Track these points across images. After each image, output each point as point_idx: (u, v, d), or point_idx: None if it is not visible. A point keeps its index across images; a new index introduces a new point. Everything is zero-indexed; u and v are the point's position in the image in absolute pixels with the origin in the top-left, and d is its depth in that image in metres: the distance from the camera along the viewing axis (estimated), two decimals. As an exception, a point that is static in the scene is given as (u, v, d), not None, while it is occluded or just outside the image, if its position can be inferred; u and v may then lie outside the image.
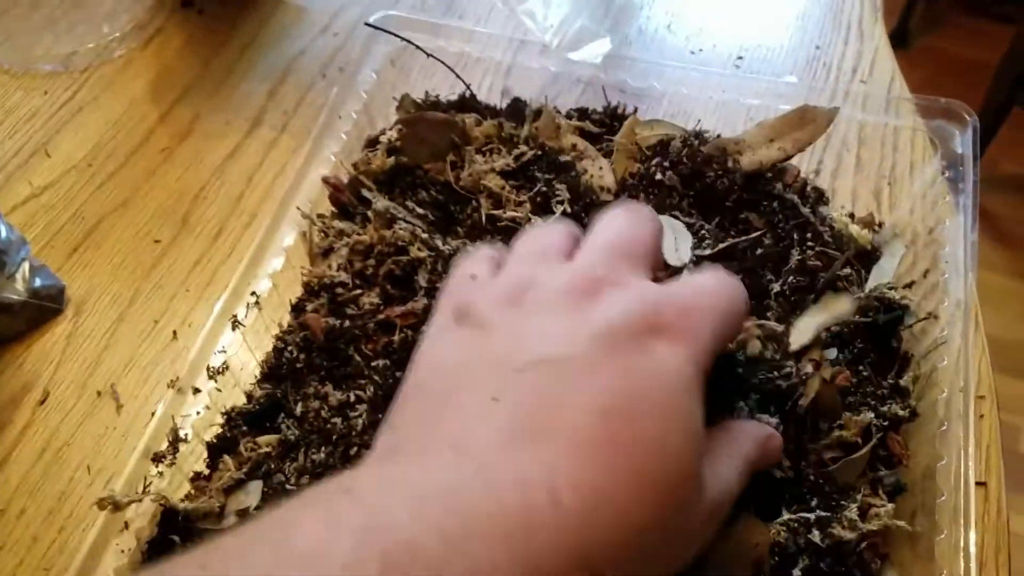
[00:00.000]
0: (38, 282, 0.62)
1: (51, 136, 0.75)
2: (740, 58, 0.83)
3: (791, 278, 0.57)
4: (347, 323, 0.56)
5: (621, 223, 0.43)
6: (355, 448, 0.51)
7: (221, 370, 0.51)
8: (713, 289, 0.40)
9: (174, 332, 0.62)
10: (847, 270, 0.58)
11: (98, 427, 0.58)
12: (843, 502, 0.47)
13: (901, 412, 0.51)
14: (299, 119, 0.76)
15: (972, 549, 0.42)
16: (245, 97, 0.78)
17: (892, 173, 0.70)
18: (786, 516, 0.46)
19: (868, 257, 0.61)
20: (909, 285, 0.57)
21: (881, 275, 0.58)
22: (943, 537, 0.44)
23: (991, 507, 0.54)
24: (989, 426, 0.57)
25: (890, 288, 0.56)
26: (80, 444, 0.57)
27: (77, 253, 0.67)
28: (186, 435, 0.48)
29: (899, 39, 2.10)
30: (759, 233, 0.60)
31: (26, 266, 0.62)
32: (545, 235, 0.45)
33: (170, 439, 0.48)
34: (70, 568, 0.43)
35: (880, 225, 0.64)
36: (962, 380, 0.49)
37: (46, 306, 0.63)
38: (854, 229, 0.62)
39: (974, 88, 1.71)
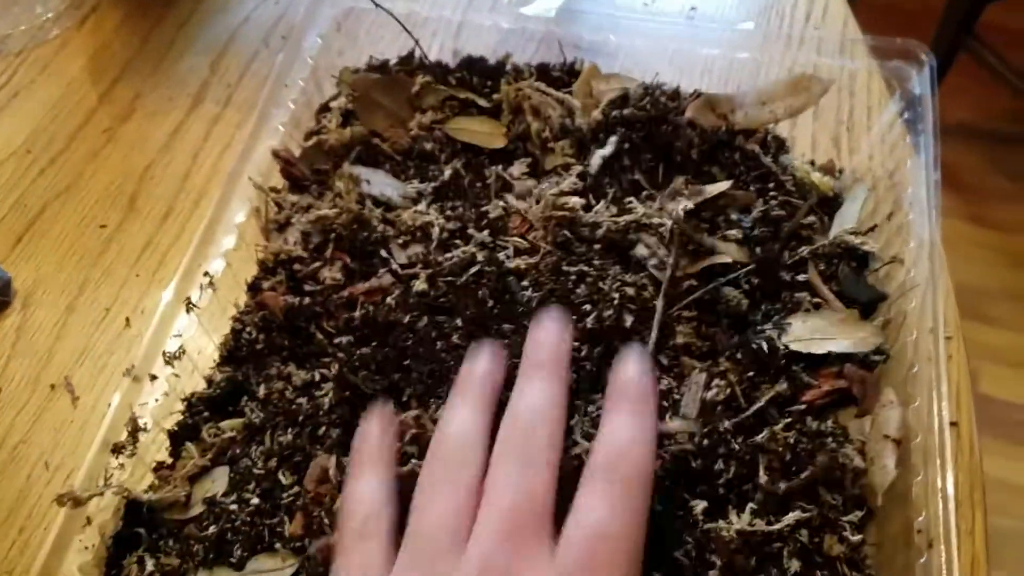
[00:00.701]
0: (-18, 274, 0.60)
1: (-14, 123, 0.71)
2: (693, 8, 0.81)
3: (757, 230, 0.57)
4: (307, 300, 0.54)
5: (516, 479, 0.40)
6: (323, 428, 0.49)
7: (178, 355, 0.49)
8: (616, 531, 0.39)
9: (127, 319, 0.60)
10: (811, 218, 0.58)
11: (54, 421, 0.56)
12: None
13: (875, 357, 0.51)
14: (243, 91, 0.73)
15: (950, 490, 0.42)
16: (187, 72, 0.75)
17: (850, 118, 0.69)
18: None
19: (831, 204, 0.60)
20: (872, 229, 0.57)
21: (844, 221, 0.58)
22: (919, 479, 0.44)
23: (964, 446, 0.54)
24: (958, 366, 0.57)
25: (853, 234, 0.56)
26: (37, 440, 0.55)
27: (21, 244, 0.64)
28: (145, 424, 0.47)
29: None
30: (727, 185, 0.58)
31: (-34, 258, 0.59)
32: (441, 508, 0.40)
33: (129, 429, 0.46)
34: (32, 568, 0.41)
35: (841, 171, 0.63)
36: (931, 321, 0.48)
37: (-9, 299, 0.60)
38: (816, 176, 0.61)
39: (922, 37, 1.72)
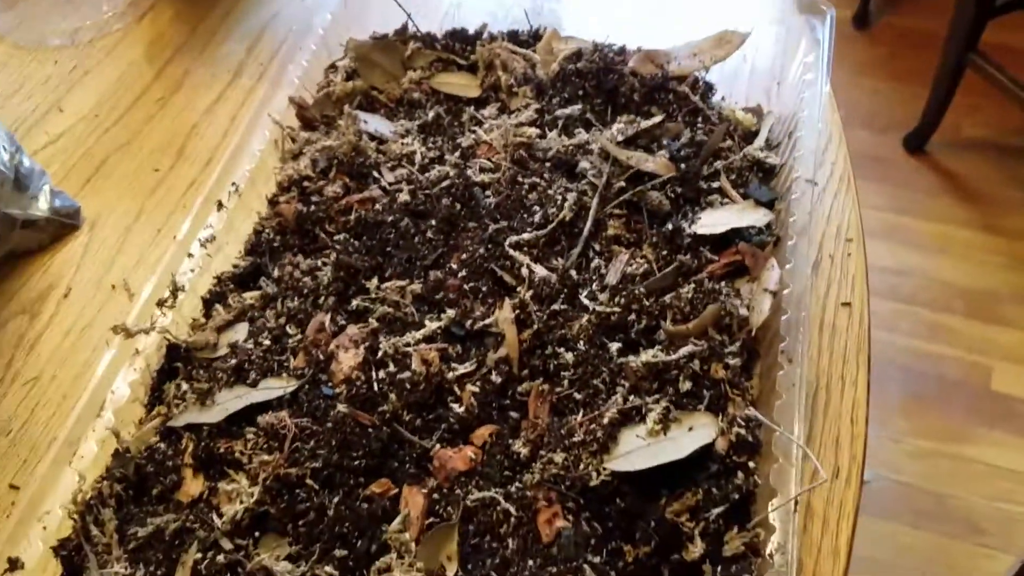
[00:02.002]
0: (57, 203, 0.74)
1: (62, 96, 0.87)
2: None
3: (684, 150, 0.68)
4: (313, 208, 0.68)
5: None
6: (322, 297, 0.62)
7: (211, 239, 0.63)
8: None
9: (174, 237, 0.74)
10: (729, 142, 0.70)
11: (114, 312, 0.69)
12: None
13: (765, 238, 0.62)
14: (273, 69, 0.88)
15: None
16: (227, 55, 0.90)
17: (782, 73, 0.80)
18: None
19: (752, 137, 0.72)
20: (776, 147, 0.68)
21: (755, 144, 0.69)
22: (787, 317, 0.54)
23: (854, 321, 0.64)
24: (856, 261, 0.68)
25: (759, 150, 0.68)
26: (100, 325, 0.69)
27: (90, 183, 0.79)
28: (183, 286, 0.60)
29: (860, 21, 2.21)
30: (660, 119, 0.71)
31: (47, 189, 0.74)
32: None
33: (170, 289, 0.60)
34: (93, 378, 0.54)
35: (763, 112, 0.75)
36: (829, 224, 0.59)
37: (65, 222, 0.75)
38: (739, 114, 0.73)
39: (932, 57, 1.82)
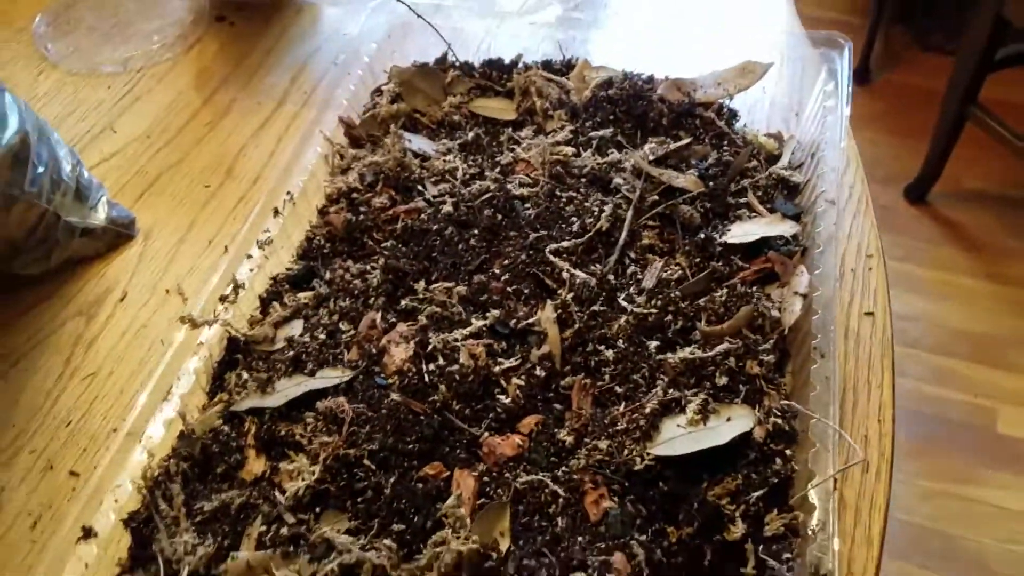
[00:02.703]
0: (114, 213, 0.78)
1: (115, 119, 0.92)
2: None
3: (711, 170, 0.73)
4: (361, 217, 0.71)
5: None
6: (372, 298, 0.65)
7: (268, 242, 0.66)
8: None
9: (225, 247, 0.78)
10: (754, 163, 0.74)
11: (169, 314, 0.72)
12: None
13: (793, 247, 0.66)
14: (316, 96, 0.93)
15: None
16: (272, 85, 0.95)
17: (799, 104, 0.85)
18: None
19: (775, 161, 0.76)
20: (799, 167, 0.73)
21: (779, 164, 0.74)
22: (817, 318, 0.58)
23: (877, 329, 0.68)
24: (877, 275, 0.71)
25: (784, 169, 0.72)
26: (156, 326, 0.72)
27: (143, 199, 0.83)
28: (244, 284, 0.63)
29: (861, 76, 2.30)
30: (688, 141, 0.75)
31: (104, 200, 0.78)
32: None
33: (232, 286, 0.63)
34: (160, 364, 0.57)
35: (784, 137, 0.79)
36: (850, 242, 0.63)
37: (121, 232, 0.78)
38: (762, 139, 0.78)
39: (931, 114, 1.89)
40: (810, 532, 0.48)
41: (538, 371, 0.60)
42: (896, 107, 2.30)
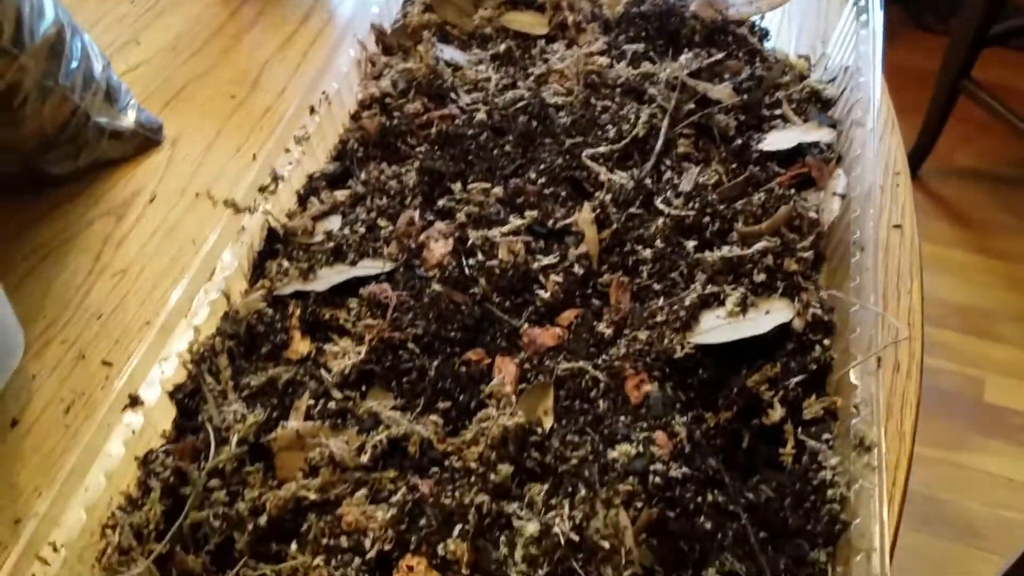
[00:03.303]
0: (143, 117, 0.78)
1: (139, 32, 0.91)
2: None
3: (745, 83, 0.73)
4: (395, 122, 0.71)
5: None
6: (408, 197, 0.66)
7: (305, 137, 0.66)
8: None
9: (253, 155, 0.77)
10: (787, 78, 0.74)
11: (200, 215, 0.72)
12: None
13: (828, 154, 0.66)
14: (341, 13, 0.92)
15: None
16: (298, 2, 0.95)
17: (825, 32, 0.86)
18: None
19: (805, 79, 0.76)
20: (832, 80, 0.73)
21: (814, 77, 0.74)
22: (857, 215, 0.58)
23: (905, 240, 0.68)
24: (904, 191, 0.72)
25: (818, 82, 0.72)
26: (185, 226, 0.72)
27: (169, 106, 0.82)
28: (283, 175, 0.63)
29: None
30: (723, 55, 0.75)
31: (133, 103, 0.77)
32: None
33: (271, 177, 0.63)
34: (201, 252, 0.57)
35: (814, 59, 0.79)
36: (878, 160, 0.63)
37: (149, 136, 0.78)
38: (793, 59, 0.78)
39: (925, 93, 1.90)
40: (852, 408, 0.49)
41: (576, 269, 0.61)
42: (891, 85, 2.31)
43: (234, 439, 0.49)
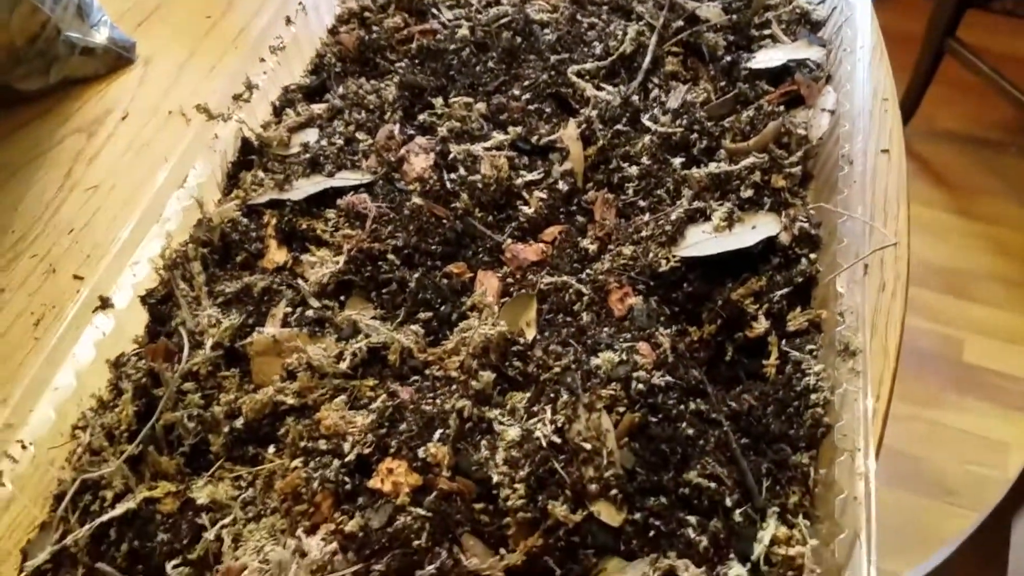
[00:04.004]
0: (115, 35, 0.75)
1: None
2: None
3: (733, 4, 0.71)
4: (375, 36, 0.69)
5: None
6: (388, 112, 0.64)
7: (280, 47, 0.64)
8: None
9: (227, 73, 0.75)
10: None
11: (174, 132, 0.70)
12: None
13: (817, 72, 0.65)
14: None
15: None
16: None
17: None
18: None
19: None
20: (822, 1, 0.71)
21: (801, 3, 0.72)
22: (845, 128, 0.57)
23: (893, 165, 0.68)
24: (892, 116, 0.71)
25: (806, 3, 0.71)
26: (158, 144, 0.70)
27: (142, 27, 0.80)
28: (257, 84, 0.61)
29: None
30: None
31: (105, 19, 0.75)
32: None
33: (246, 85, 0.61)
34: (173, 157, 0.56)
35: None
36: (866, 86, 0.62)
37: (122, 55, 0.75)
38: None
39: (910, 56, 1.89)
40: (838, 316, 0.48)
41: (560, 185, 0.59)
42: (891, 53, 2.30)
43: (209, 343, 0.48)
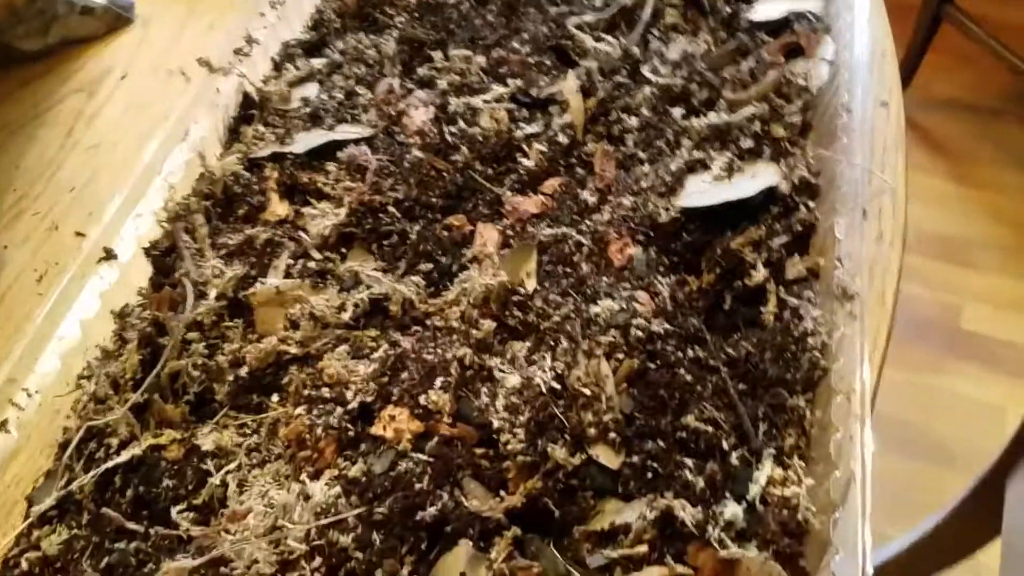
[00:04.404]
0: (113, -6, 0.75)
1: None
2: None
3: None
4: (374, -9, 0.69)
5: None
6: (387, 65, 0.64)
7: (280, 2, 0.64)
8: None
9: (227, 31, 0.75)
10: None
11: (175, 90, 0.70)
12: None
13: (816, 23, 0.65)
14: None
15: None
16: None
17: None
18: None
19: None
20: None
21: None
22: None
23: (892, 119, 0.67)
24: (890, 71, 0.71)
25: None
26: (159, 103, 0.70)
27: (138, -12, 0.79)
28: (257, 40, 0.61)
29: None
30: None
31: (103, -22, 0.74)
32: None
33: (246, 40, 0.61)
34: (167, 126, 0.56)
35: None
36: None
37: (121, 14, 0.75)
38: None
39: (906, 26, 1.87)
40: (836, 261, 0.48)
41: (560, 138, 0.59)
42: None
43: (212, 293, 0.48)
